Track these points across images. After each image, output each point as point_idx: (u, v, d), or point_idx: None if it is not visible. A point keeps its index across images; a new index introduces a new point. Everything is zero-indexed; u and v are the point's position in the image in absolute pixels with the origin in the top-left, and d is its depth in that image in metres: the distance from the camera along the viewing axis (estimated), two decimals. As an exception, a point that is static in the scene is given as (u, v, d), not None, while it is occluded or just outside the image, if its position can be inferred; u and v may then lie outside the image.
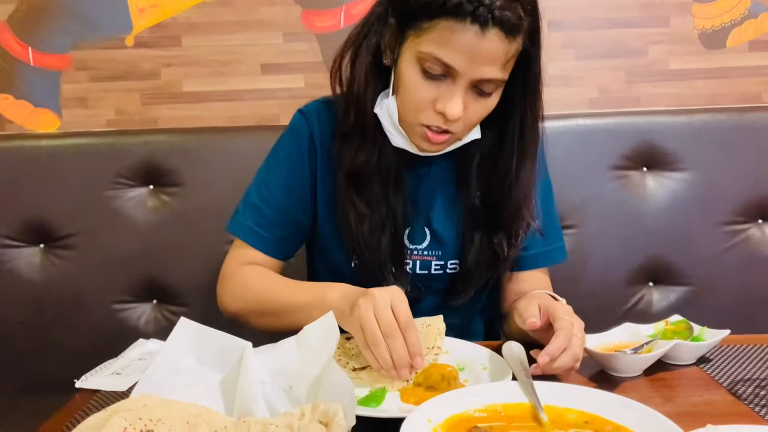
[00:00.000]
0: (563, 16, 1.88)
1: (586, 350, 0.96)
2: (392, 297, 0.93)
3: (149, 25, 1.86)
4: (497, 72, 1.00)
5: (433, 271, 1.21)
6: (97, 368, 1.04)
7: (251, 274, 1.18)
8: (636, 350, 0.99)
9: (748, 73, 1.91)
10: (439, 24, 0.97)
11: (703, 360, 1.04)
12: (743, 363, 1.03)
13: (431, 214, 1.21)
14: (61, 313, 1.68)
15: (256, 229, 1.21)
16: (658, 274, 1.72)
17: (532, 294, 1.11)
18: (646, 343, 1.01)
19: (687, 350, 1.02)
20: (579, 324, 0.97)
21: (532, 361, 0.94)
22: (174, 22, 1.85)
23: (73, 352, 1.64)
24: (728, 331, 1.05)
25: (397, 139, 1.11)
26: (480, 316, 1.36)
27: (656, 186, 1.70)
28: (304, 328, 0.85)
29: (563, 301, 1.06)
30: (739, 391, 0.92)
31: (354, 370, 0.97)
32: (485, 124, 1.11)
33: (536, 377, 0.88)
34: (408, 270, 1.20)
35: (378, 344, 0.90)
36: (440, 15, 0.97)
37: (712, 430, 0.72)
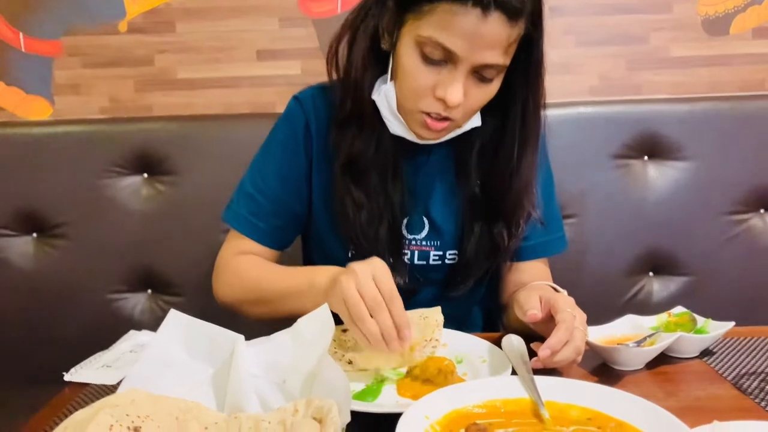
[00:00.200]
0: (563, 1, 1.86)
1: (587, 343, 0.94)
2: (374, 269, 0.91)
3: (143, 11, 1.83)
4: (499, 57, 0.97)
5: (431, 262, 1.19)
6: (87, 361, 1.02)
7: (245, 264, 1.17)
8: (638, 343, 0.97)
9: (752, 60, 1.88)
10: (439, 7, 0.94)
11: (706, 353, 1.02)
12: (748, 356, 1.01)
13: (430, 204, 1.18)
14: (55, 303, 1.66)
15: (251, 218, 1.19)
16: (659, 264, 1.70)
17: (533, 285, 1.09)
18: (649, 336, 0.99)
19: (690, 343, 1.00)
20: (581, 316, 0.94)
21: (532, 354, 0.91)
22: (168, 8, 1.83)
23: (67, 343, 1.61)
24: (732, 324, 1.03)
25: (396, 126, 1.09)
26: (479, 306, 1.34)
27: (657, 175, 1.69)
28: (299, 320, 0.83)
29: (564, 292, 1.04)
30: (744, 385, 0.90)
31: (350, 362, 0.95)
32: (486, 111, 1.09)
33: (537, 371, 0.86)
34: (406, 261, 1.18)
35: (363, 319, 0.88)
36: None
37: (718, 426, 0.69)
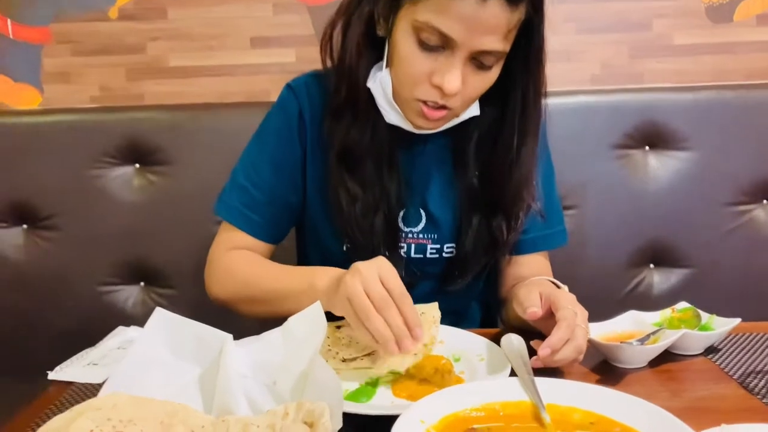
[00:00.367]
0: (564, -13, 1.82)
1: (589, 341, 0.91)
2: (380, 268, 0.87)
3: (134, -3, 1.79)
4: (498, 43, 0.94)
5: (428, 255, 1.16)
6: (73, 358, 0.99)
7: (238, 260, 1.14)
8: (642, 341, 0.94)
9: (756, 48, 1.85)
10: None
11: (711, 350, 0.99)
12: (754, 353, 0.98)
13: (427, 196, 1.15)
14: (46, 295, 1.64)
15: (244, 210, 1.16)
16: (660, 256, 1.68)
17: (533, 281, 1.06)
18: (653, 333, 0.96)
19: (695, 340, 0.97)
20: (582, 313, 0.91)
21: (531, 352, 0.88)
22: (159, -6, 1.79)
23: (58, 336, 1.63)
24: (739, 320, 1.00)
25: (391, 115, 1.06)
26: (477, 301, 1.31)
27: (659, 165, 1.66)
28: (289, 318, 0.80)
29: (565, 288, 1.01)
30: (751, 384, 0.87)
31: (344, 360, 0.92)
32: (484, 100, 1.06)
33: (537, 371, 0.83)
34: (402, 254, 1.15)
35: (370, 317, 0.84)
36: None
37: (726, 430, 0.66)
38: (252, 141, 1.20)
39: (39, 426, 0.74)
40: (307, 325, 0.78)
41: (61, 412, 0.82)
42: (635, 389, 0.88)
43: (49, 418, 0.79)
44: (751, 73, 1.85)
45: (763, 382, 0.88)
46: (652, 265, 1.69)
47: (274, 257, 1.18)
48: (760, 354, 0.98)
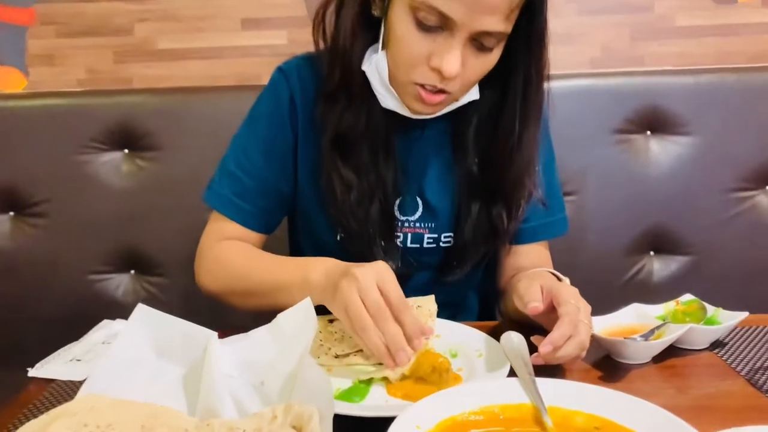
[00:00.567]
0: (565, -34, 1.77)
1: (592, 336, 0.87)
2: (378, 275, 0.84)
3: (121, -24, 1.75)
4: (499, 24, 0.90)
5: (425, 245, 1.13)
6: (55, 353, 0.95)
7: (228, 251, 1.10)
8: (646, 336, 0.90)
9: (762, 30, 1.82)
10: None
11: (717, 344, 0.96)
12: (762, 348, 0.94)
13: (424, 183, 1.12)
14: (35, 284, 1.62)
15: (235, 199, 1.12)
16: (660, 242, 1.66)
17: (534, 273, 1.02)
18: (657, 327, 0.92)
19: (701, 335, 0.93)
20: (585, 308, 0.88)
21: (532, 348, 0.85)
22: (148, -27, 1.75)
23: (47, 325, 1.60)
24: (746, 314, 0.96)
25: (387, 99, 1.02)
26: (475, 291, 1.28)
27: (660, 150, 1.63)
28: (279, 315, 0.76)
29: (567, 280, 0.98)
30: (759, 381, 0.84)
31: (337, 356, 0.88)
32: (484, 83, 1.02)
33: (537, 368, 0.79)
34: (398, 243, 1.11)
35: (366, 329, 0.81)
36: None
37: (736, 432, 0.63)
38: (242, 127, 1.16)
39: (16, 427, 0.71)
40: (296, 322, 0.74)
41: (40, 411, 0.79)
42: (639, 386, 0.85)
43: (28, 418, 0.76)
44: (756, 56, 1.82)
45: (771, 379, 0.85)
46: (652, 252, 1.66)
47: (265, 247, 1.15)
48: (768, 349, 0.95)
